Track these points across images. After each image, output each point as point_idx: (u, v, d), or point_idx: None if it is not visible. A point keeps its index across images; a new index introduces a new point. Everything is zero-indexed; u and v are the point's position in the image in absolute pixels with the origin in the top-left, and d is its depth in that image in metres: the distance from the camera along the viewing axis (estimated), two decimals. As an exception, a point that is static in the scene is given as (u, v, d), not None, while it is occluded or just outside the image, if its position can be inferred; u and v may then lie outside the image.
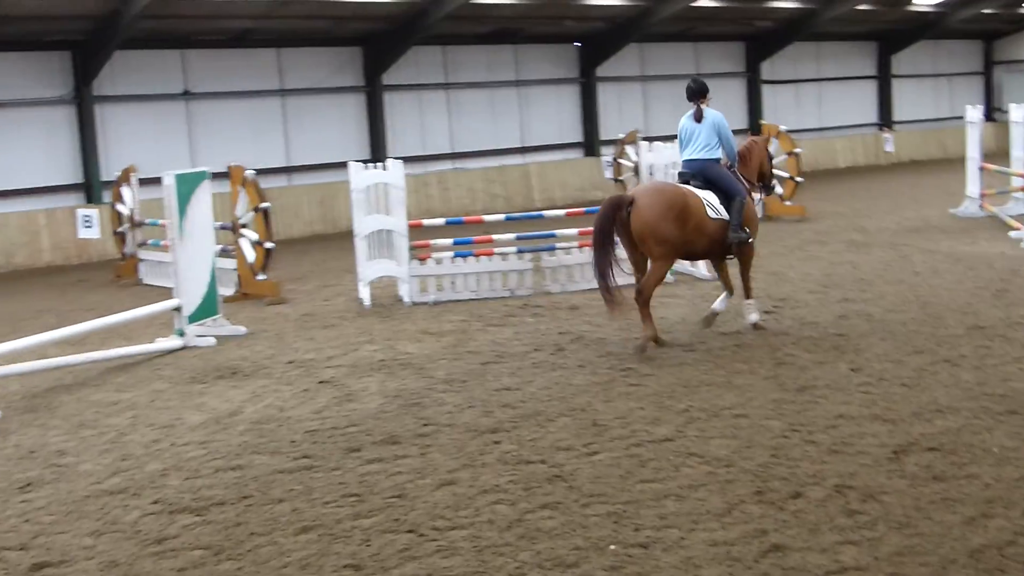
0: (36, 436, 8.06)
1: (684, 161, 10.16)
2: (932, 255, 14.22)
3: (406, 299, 12.98)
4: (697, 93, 10.16)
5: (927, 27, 34.56)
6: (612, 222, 9.40)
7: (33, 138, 20.84)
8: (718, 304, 10.32)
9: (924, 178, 27.21)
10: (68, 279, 17.83)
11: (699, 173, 9.97)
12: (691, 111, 10.17)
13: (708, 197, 9.77)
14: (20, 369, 9.58)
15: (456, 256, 13.24)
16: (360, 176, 13.01)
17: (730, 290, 10.33)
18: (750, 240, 10.01)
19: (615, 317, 9.77)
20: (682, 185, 9.90)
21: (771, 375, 8.45)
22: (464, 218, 16.00)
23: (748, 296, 10.22)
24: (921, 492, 5.78)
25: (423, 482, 6.43)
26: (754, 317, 10.15)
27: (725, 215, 9.78)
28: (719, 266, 10.43)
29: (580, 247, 13.28)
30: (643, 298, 9.50)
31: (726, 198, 9.84)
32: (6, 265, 19.56)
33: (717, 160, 10.06)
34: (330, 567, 5.29)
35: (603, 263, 9.37)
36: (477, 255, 13.22)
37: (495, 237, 13.79)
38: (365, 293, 12.96)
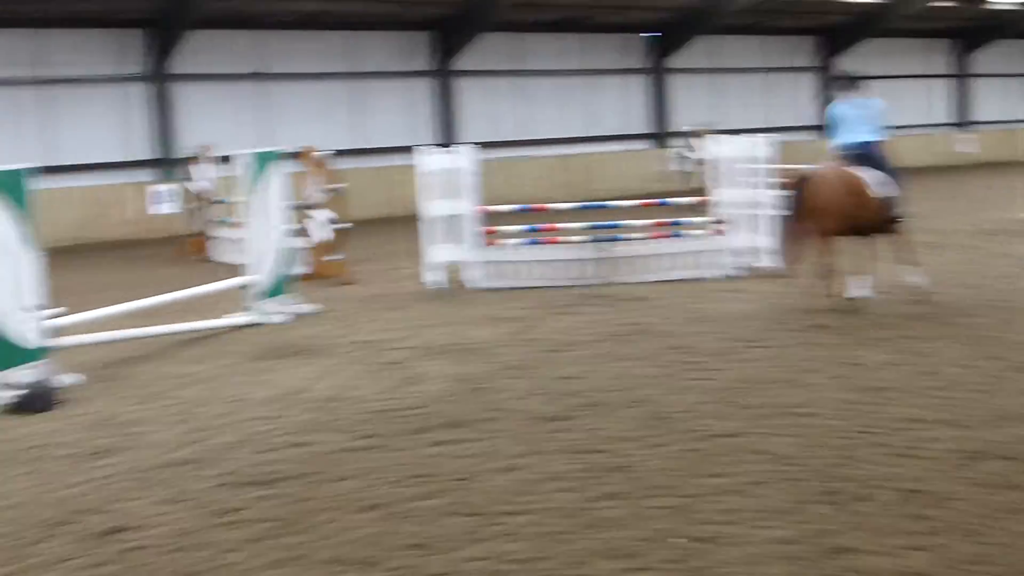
0: (111, 405, 8.27)
1: (848, 144, 10.84)
2: (1006, 259, 13.93)
3: (473, 284, 13.05)
4: (855, 81, 11.19)
5: (1004, 26, 33.78)
6: (802, 196, 10.20)
7: (107, 114, 21.29)
8: (861, 290, 10.98)
9: (1000, 180, 26.60)
10: (139, 254, 18.20)
11: (865, 154, 10.69)
12: (847, 98, 11.04)
13: (870, 177, 10.48)
14: (98, 339, 9.82)
15: (525, 243, 13.27)
16: (430, 160, 13.10)
17: (870, 273, 11.08)
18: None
19: (791, 271, 11.24)
20: (850, 167, 10.62)
21: (840, 375, 8.35)
22: (532, 205, 16.01)
23: (914, 264, 10.99)
24: (993, 500, 5.67)
25: (488, 466, 6.47)
26: (918, 280, 10.92)
27: (886, 194, 10.52)
28: (869, 246, 11.20)
29: (651, 238, 13.23)
30: (830, 273, 10.65)
31: (886, 178, 10.55)
32: (78, 238, 20.02)
33: (878, 142, 10.79)
34: (395, 546, 5.34)
35: (796, 232, 10.46)
36: (545, 243, 13.23)
37: (563, 225, 13.79)
38: (432, 277, 13.05)
